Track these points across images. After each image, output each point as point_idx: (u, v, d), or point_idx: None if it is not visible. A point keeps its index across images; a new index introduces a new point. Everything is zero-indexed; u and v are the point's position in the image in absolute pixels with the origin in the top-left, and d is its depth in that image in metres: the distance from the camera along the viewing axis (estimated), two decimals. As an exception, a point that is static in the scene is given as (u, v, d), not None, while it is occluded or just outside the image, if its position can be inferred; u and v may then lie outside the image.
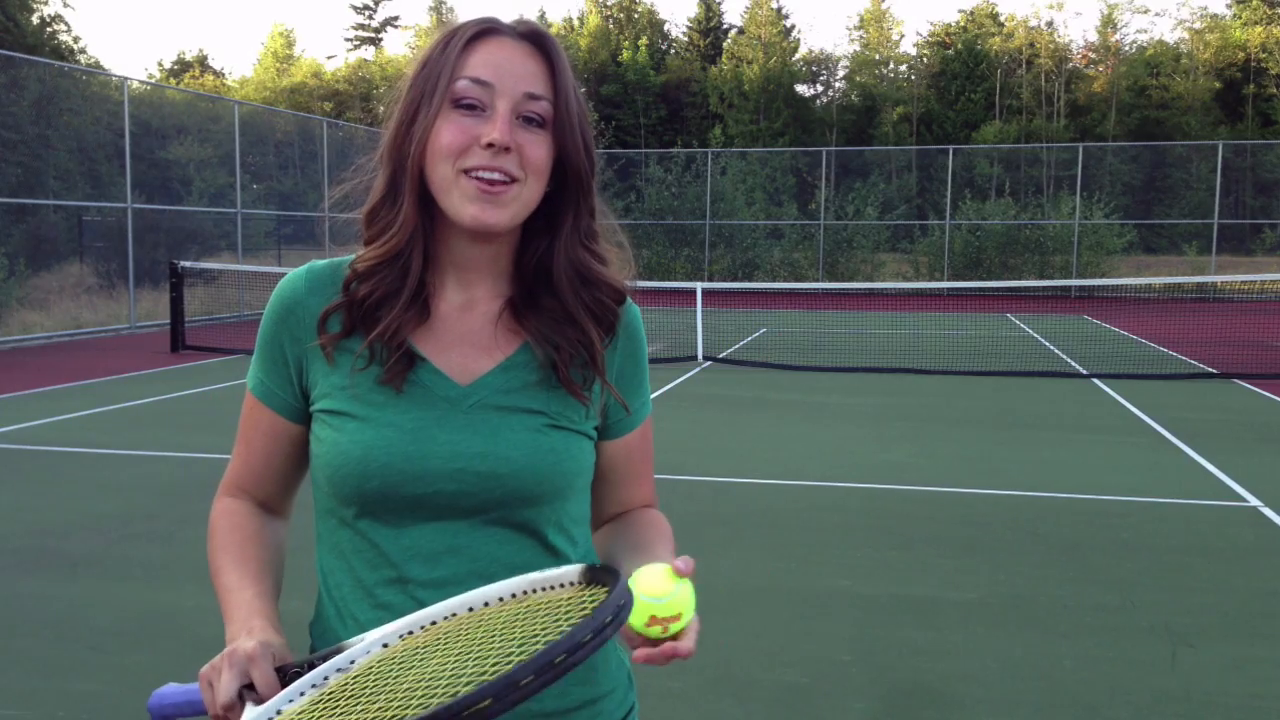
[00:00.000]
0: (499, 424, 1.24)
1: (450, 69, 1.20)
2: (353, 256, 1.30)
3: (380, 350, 1.25)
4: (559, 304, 1.28)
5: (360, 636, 1.09)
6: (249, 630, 1.16)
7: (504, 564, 1.24)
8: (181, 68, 62.90)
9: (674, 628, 1.07)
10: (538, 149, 1.20)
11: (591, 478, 1.34)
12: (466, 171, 1.19)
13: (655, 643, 1.08)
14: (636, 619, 1.08)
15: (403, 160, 1.23)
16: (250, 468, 1.34)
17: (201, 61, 64.11)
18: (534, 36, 1.22)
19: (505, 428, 1.24)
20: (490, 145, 1.17)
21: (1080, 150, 29.11)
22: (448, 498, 1.22)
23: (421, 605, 1.22)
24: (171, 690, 1.18)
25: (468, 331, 1.28)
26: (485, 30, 1.22)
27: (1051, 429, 8.84)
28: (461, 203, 1.20)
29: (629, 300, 1.36)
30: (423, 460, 1.22)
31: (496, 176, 1.19)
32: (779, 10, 54.70)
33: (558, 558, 1.29)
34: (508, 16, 1.25)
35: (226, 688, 1.08)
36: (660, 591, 1.08)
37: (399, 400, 1.24)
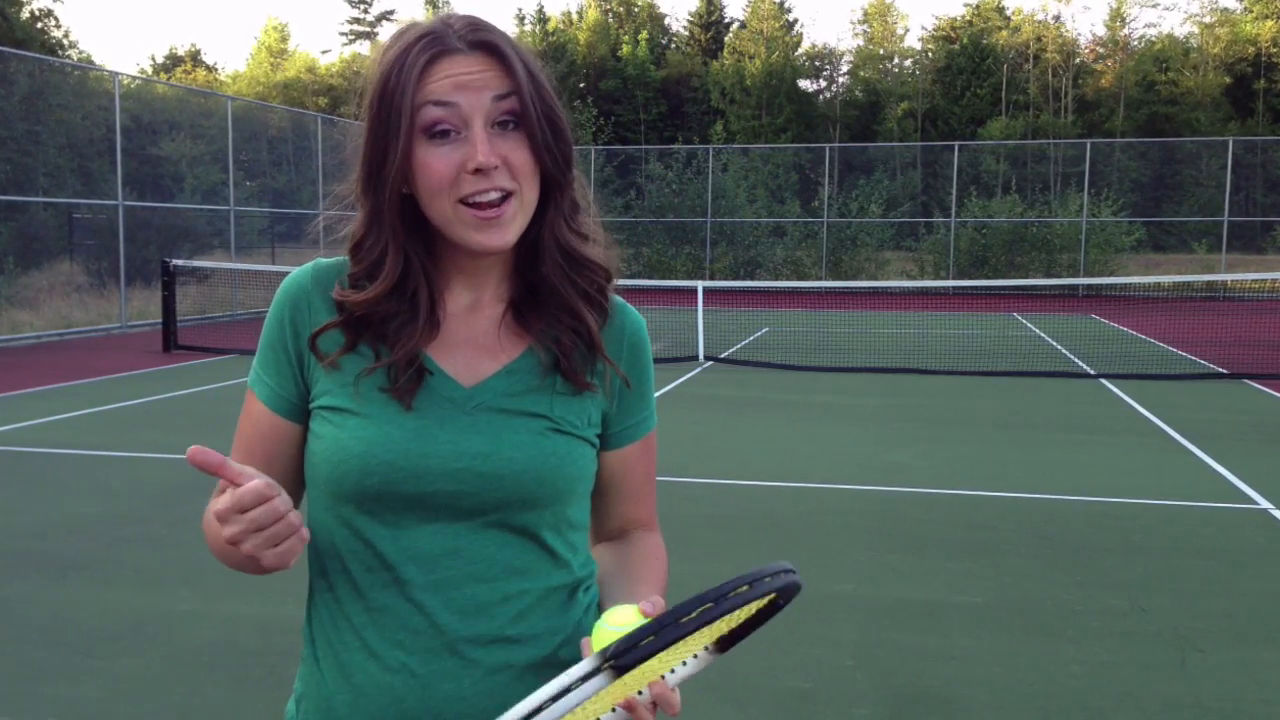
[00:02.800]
0: (502, 426, 1.25)
1: (410, 99, 1.18)
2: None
3: (386, 353, 1.26)
4: (554, 295, 1.29)
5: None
6: None
7: (503, 567, 1.25)
8: (173, 62, 62.89)
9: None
10: (520, 153, 1.21)
11: (592, 485, 1.34)
12: (462, 201, 1.19)
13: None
14: (598, 646, 1.09)
15: (381, 199, 1.23)
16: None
17: (194, 56, 64.10)
18: (482, 45, 1.21)
19: (508, 430, 1.25)
20: (478, 170, 1.18)
21: (1088, 146, 29.10)
22: (447, 498, 1.23)
23: (419, 608, 1.23)
24: None
25: (473, 333, 1.29)
26: (435, 53, 1.20)
27: (1058, 430, 8.85)
28: (465, 233, 1.21)
29: (633, 310, 1.37)
30: (424, 459, 1.22)
31: (493, 197, 1.19)
32: (781, 4, 54.69)
33: (557, 562, 1.29)
34: (451, 16, 1.24)
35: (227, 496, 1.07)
36: (624, 622, 1.10)
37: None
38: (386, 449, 1.22)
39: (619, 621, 1.11)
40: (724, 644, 1.08)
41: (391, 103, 1.20)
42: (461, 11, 1.26)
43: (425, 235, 1.26)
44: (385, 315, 1.25)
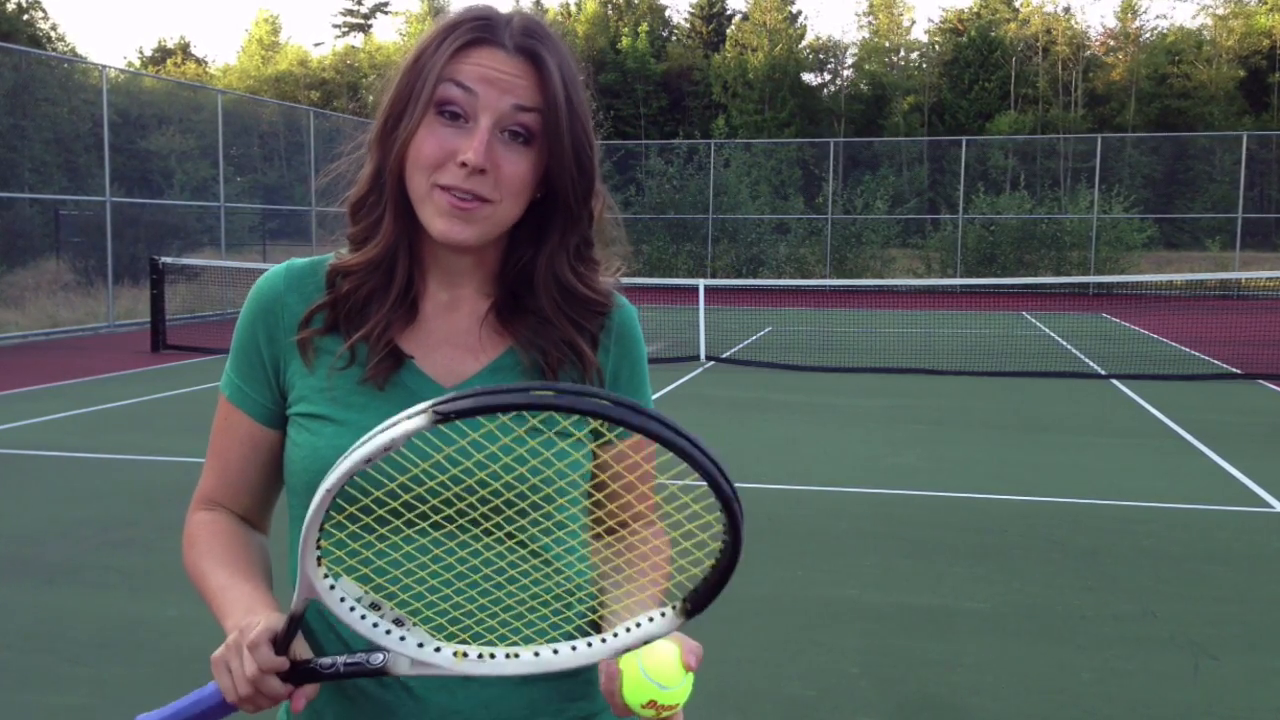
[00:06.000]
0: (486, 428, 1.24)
1: (438, 71, 1.19)
2: (333, 255, 1.30)
3: (361, 351, 1.25)
4: (544, 312, 1.28)
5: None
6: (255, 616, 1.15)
7: (494, 574, 1.24)
8: (162, 55, 62.89)
9: (666, 715, 1.08)
10: (517, 167, 1.19)
11: (586, 484, 1.33)
12: (441, 186, 1.18)
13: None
14: (635, 697, 1.08)
15: (386, 159, 1.23)
16: (226, 480, 1.32)
17: (183, 49, 64.10)
18: (528, 53, 1.20)
19: (492, 433, 1.23)
20: (464, 165, 1.17)
21: (1098, 141, 29.13)
22: (432, 505, 1.22)
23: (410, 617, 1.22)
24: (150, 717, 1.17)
25: (453, 332, 1.28)
26: (479, 39, 1.20)
27: (1068, 432, 8.85)
28: (432, 216, 1.20)
29: (625, 300, 1.35)
30: (404, 467, 1.21)
31: (468, 198, 1.18)
32: (784, -5, 54.71)
33: (551, 567, 1.27)
34: (507, 6, 1.25)
35: (250, 668, 1.09)
36: (669, 679, 1.08)
37: (380, 403, 1.24)
38: None
39: (664, 678, 1.09)
40: (693, 606, 1.07)
41: (422, 68, 1.20)
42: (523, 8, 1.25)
43: (415, 222, 1.25)
44: (367, 295, 1.25)
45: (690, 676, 1.10)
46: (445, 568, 1.22)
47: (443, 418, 0.95)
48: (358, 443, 0.98)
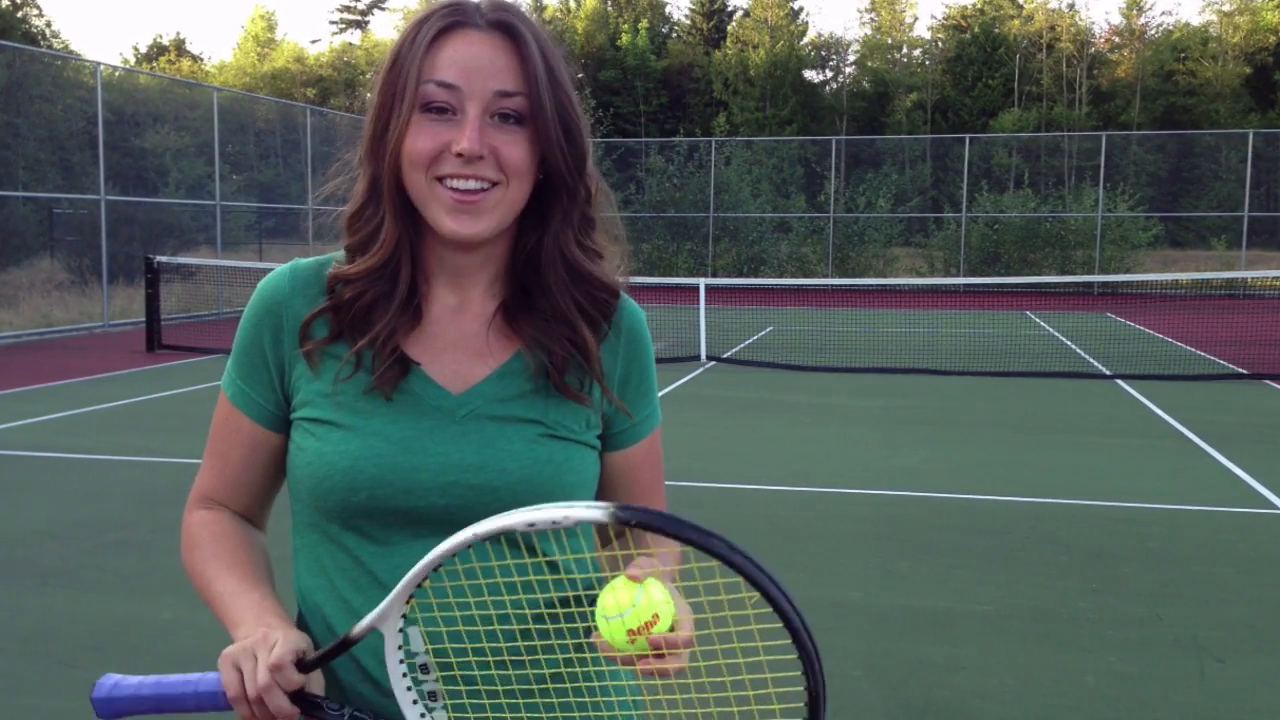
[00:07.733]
0: (494, 434, 1.23)
1: (417, 70, 1.18)
2: (338, 254, 1.29)
3: (367, 357, 1.24)
4: (551, 304, 1.27)
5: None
6: (268, 627, 1.15)
7: (501, 583, 1.23)
8: (158, 52, 62.89)
9: (658, 629, 1.06)
10: (515, 149, 1.19)
11: (595, 491, 1.33)
12: (441, 179, 1.18)
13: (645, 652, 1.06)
14: (617, 640, 1.06)
15: (380, 167, 1.22)
16: (225, 479, 1.32)
17: (179, 46, 64.09)
18: (503, 27, 1.20)
19: (500, 438, 1.23)
20: (460, 155, 1.16)
21: (1103, 139, 29.11)
22: (439, 512, 1.21)
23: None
24: (123, 681, 1.17)
25: (460, 336, 1.28)
26: (452, 24, 1.19)
27: (1073, 432, 8.85)
28: (439, 215, 1.19)
29: (633, 303, 1.35)
30: (412, 473, 1.21)
31: (472, 185, 1.18)
32: (786, -8, 54.72)
33: (559, 576, 1.27)
34: None
35: (264, 677, 1.09)
36: (623, 604, 1.06)
37: (388, 409, 1.23)
38: (373, 463, 1.21)
39: (618, 607, 1.06)
40: None
41: (401, 71, 1.20)
42: None
43: (417, 220, 1.25)
44: (371, 302, 1.24)
45: (649, 584, 1.06)
46: (450, 574, 1.21)
47: (619, 522, 0.99)
48: (535, 509, 1.03)
